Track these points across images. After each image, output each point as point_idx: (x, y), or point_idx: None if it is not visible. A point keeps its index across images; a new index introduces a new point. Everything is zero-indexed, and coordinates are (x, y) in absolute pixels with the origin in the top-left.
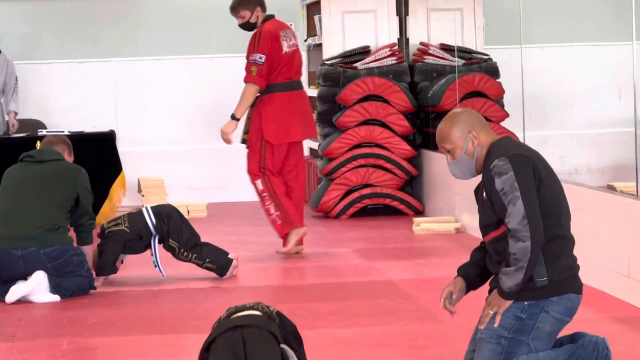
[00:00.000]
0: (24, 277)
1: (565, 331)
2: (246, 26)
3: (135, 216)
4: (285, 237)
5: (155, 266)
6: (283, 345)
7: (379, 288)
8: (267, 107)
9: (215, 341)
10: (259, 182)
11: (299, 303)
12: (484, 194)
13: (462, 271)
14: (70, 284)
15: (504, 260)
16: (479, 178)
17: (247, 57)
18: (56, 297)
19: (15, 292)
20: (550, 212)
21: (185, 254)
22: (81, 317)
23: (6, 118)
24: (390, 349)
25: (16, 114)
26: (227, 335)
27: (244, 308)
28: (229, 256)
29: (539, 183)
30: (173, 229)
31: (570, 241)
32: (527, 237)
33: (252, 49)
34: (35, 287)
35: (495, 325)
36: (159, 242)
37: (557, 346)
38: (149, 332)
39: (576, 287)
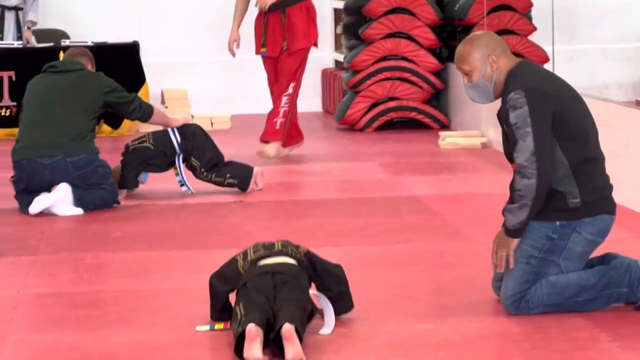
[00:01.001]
0: (50, 187)
1: (597, 251)
2: None
3: (160, 134)
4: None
5: (182, 185)
6: (313, 292)
7: (405, 204)
8: (313, 11)
9: (246, 285)
10: (292, 86)
11: (324, 218)
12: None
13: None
14: (94, 197)
15: None
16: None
17: None
18: (79, 210)
19: (39, 203)
20: (577, 137)
21: (205, 174)
22: (104, 231)
23: (24, 30)
24: (416, 266)
25: (34, 23)
26: (259, 280)
27: (272, 252)
28: (254, 170)
29: (559, 116)
30: (197, 147)
31: (600, 162)
32: (534, 174)
33: None
34: (59, 199)
35: (511, 267)
36: (183, 161)
37: (587, 267)
38: (172, 247)
39: (609, 207)
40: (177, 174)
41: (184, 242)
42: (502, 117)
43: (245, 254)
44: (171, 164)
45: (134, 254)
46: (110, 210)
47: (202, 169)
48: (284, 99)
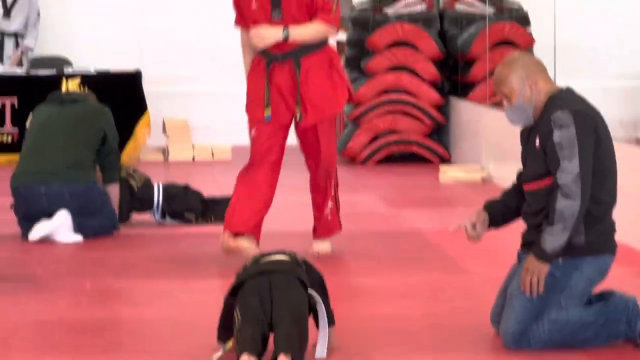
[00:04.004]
0: (48, 215)
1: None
2: None
3: (148, 186)
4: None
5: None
6: (310, 290)
7: (404, 237)
8: (337, 61)
9: (243, 286)
10: (333, 171)
11: None
12: (537, 142)
13: (488, 206)
14: (94, 224)
15: (542, 212)
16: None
17: None
18: (79, 237)
19: (39, 230)
20: (601, 173)
21: (203, 220)
22: (104, 258)
23: (15, 52)
24: (416, 299)
25: (30, 49)
26: (255, 280)
27: (269, 253)
28: None
29: (596, 144)
30: (184, 205)
31: (612, 206)
32: (578, 196)
33: None
34: (59, 226)
35: (540, 291)
36: (162, 216)
37: (586, 304)
38: (173, 275)
39: (612, 247)
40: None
41: (185, 270)
42: (542, 134)
43: (244, 265)
44: (142, 211)
45: (133, 281)
46: (110, 238)
47: (199, 218)
48: (329, 190)
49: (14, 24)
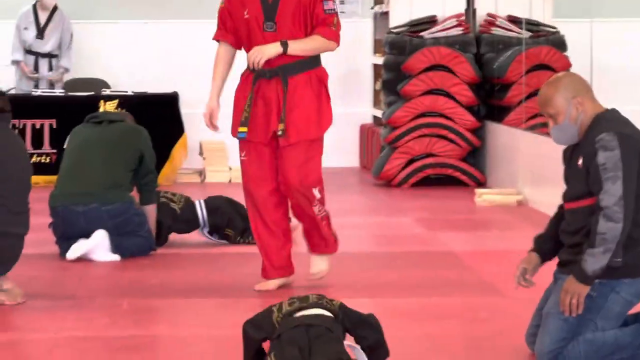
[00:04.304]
0: (85, 235)
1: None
2: None
3: (190, 204)
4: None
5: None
6: (348, 344)
7: (440, 259)
8: (325, 85)
9: (280, 337)
10: (317, 190)
11: (359, 271)
12: (579, 162)
13: (537, 245)
14: (131, 244)
15: (581, 231)
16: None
17: (320, 2)
18: (116, 257)
19: (76, 250)
20: None
21: (242, 240)
22: (141, 278)
23: (48, 74)
24: (451, 320)
25: (67, 70)
26: (293, 332)
27: (307, 300)
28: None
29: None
30: (225, 219)
31: None
32: (621, 219)
33: None
34: (96, 245)
35: (579, 312)
36: (209, 233)
37: (622, 325)
38: (209, 295)
39: None
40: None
41: (222, 290)
42: (586, 155)
43: (280, 305)
44: (190, 232)
45: (170, 301)
46: (147, 258)
47: (238, 237)
48: (315, 209)
49: (48, 45)
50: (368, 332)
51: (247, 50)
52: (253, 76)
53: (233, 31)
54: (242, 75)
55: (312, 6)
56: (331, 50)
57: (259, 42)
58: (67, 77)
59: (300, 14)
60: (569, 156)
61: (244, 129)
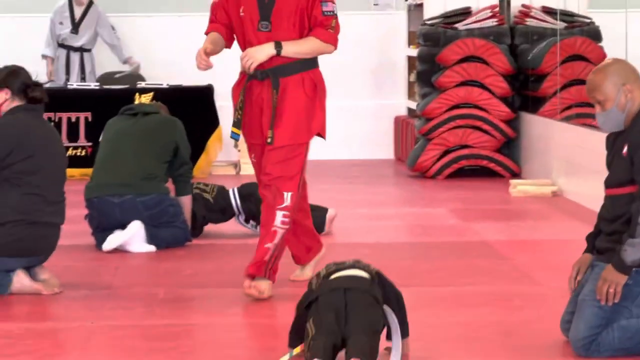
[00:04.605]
0: (121, 226)
1: None
2: None
3: (223, 192)
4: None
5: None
6: (385, 307)
7: (474, 248)
8: (320, 88)
9: (318, 300)
10: (289, 196)
11: (394, 261)
12: (624, 150)
13: (589, 244)
14: (166, 234)
15: (620, 218)
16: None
17: (319, 4)
18: (152, 248)
19: (112, 241)
20: None
21: None
22: (177, 268)
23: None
24: (485, 308)
25: (137, 63)
26: (330, 296)
27: (343, 266)
28: (328, 212)
29: None
30: (259, 205)
31: None
32: None
33: None
34: (132, 236)
35: (616, 301)
36: (246, 220)
37: None
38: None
39: None
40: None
41: None
42: (632, 143)
43: (318, 274)
44: (226, 220)
45: (206, 290)
46: (182, 248)
47: None
48: (279, 216)
49: (81, 40)
50: (396, 307)
51: (242, 50)
52: (246, 78)
53: (226, 24)
54: (239, 76)
55: (310, 7)
56: (328, 53)
57: (252, 41)
58: (101, 70)
59: (297, 14)
60: (612, 143)
61: (237, 131)
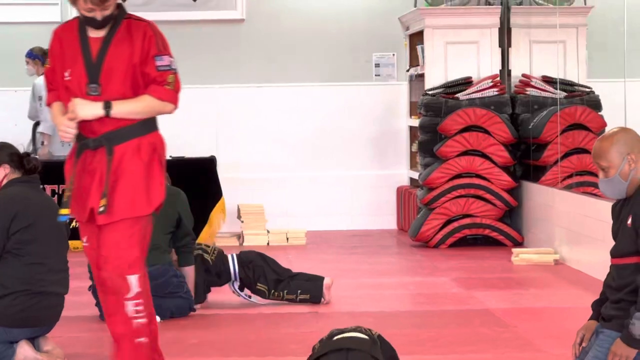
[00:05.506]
0: None
1: None
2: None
3: (222, 257)
4: None
5: (240, 296)
6: None
7: (477, 316)
8: (160, 150)
9: (320, 359)
10: (135, 279)
11: (397, 329)
12: (629, 221)
13: (594, 311)
14: (171, 305)
15: (626, 287)
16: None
17: (153, 58)
18: (156, 318)
19: None
20: None
21: (276, 293)
22: (181, 337)
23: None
24: None
25: (49, 136)
26: (333, 355)
27: (346, 331)
28: (325, 281)
29: None
30: (258, 273)
31: None
32: None
33: (157, 47)
34: None
35: None
36: (240, 290)
37: None
38: (248, 354)
39: None
40: (235, 292)
41: (260, 349)
42: (636, 214)
43: (321, 339)
44: (222, 285)
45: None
46: (186, 318)
47: (272, 290)
48: (130, 305)
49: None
50: None
51: None
52: (77, 146)
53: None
54: (73, 144)
55: (143, 63)
56: (168, 113)
57: None
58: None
59: (129, 72)
60: (618, 212)
61: (65, 211)
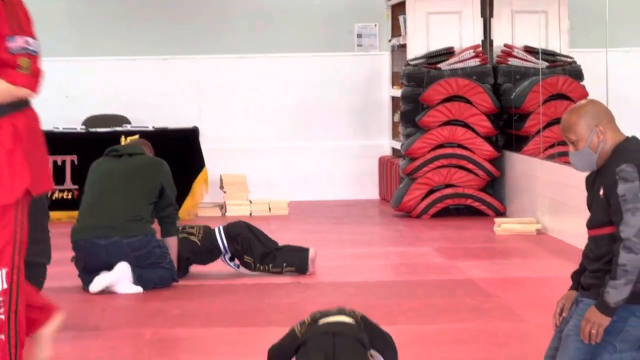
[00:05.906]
0: (108, 267)
1: None
2: None
3: (209, 232)
4: None
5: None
6: (371, 351)
7: (460, 286)
8: (23, 135)
9: (307, 343)
10: (3, 274)
11: (380, 299)
12: (601, 192)
13: (574, 282)
14: (153, 275)
15: (603, 258)
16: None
17: (4, 39)
18: (139, 289)
19: (99, 282)
20: None
21: (262, 267)
22: (164, 308)
23: None
24: (471, 345)
25: None
26: (319, 339)
27: (329, 313)
28: (309, 252)
29: None
30: (245, 246)
31: None
32: None
33: (10, 26)
34: (119, 277)
35: (598, 341)
36: (231, 260)
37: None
38: (231, 324)
39: None
40: (227, 263)
41: (243, 319)
42: (607, 185)
43: (302, 322)
44: (214, 260)
45: (193, 330)
46: (169, 289)
47: (257, 264)
48: None
49: None
50: (385, 348)
51: None
52: None
53: None
54: None
55: None
56: (24, 98)
57: None
58: (89, 114)
59: None
60: (592, 184)
61: None
